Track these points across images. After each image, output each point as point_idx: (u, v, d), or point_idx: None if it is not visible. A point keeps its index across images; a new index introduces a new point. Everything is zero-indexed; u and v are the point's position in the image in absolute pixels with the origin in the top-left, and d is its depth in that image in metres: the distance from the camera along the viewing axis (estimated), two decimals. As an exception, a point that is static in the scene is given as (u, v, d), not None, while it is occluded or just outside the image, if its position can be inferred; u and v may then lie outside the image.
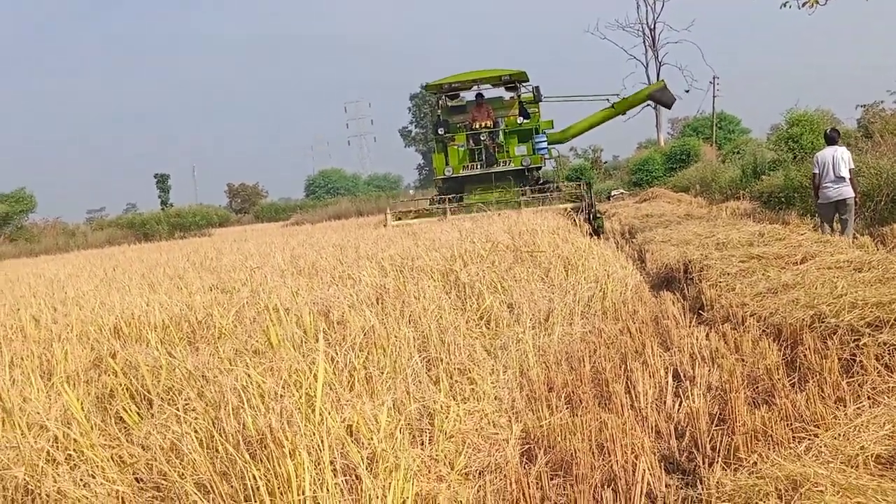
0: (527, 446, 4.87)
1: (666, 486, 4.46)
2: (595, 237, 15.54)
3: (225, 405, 3.47)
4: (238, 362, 4.27)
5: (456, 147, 20.40)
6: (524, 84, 21.21)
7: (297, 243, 14.14)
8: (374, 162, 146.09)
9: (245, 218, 68.01)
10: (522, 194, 17.88)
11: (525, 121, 20.67)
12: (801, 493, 3.24)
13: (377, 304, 5.77)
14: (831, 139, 12.47)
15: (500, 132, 20.59)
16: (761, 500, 3.33)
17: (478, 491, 4.04)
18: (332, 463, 3.26)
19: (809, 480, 3.32)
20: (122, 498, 3.32)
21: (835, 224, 12.35)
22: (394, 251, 8.20)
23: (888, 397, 4.60)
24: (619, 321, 8.25)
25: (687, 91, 50.86)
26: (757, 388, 5.79)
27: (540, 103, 21.34)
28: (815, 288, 7.75)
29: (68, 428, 3.58)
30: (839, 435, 4.16)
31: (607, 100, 23.24)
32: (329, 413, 3.56)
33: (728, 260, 10.34)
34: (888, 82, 51.11)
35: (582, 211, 16.66)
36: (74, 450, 3.52)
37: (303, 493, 2.96)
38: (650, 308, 8.98)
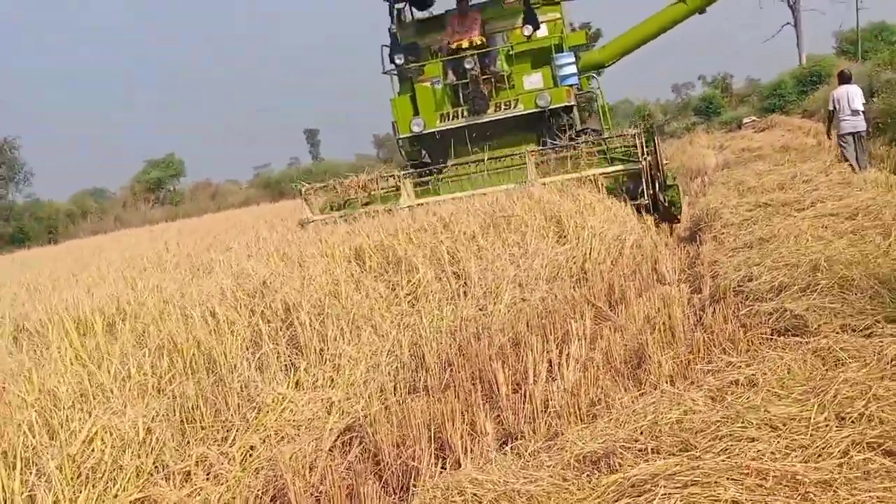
0: (350, 436, 5.02)
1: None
2: (662, 223, 11.40)
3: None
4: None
5: (429, 85, 13.05)
6: None
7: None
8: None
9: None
10: (541, 152, 11.84)
11: (534, 32, 12.81)
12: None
13: (256, 295, 6.01)
14: (847, 78, 13.18)
15: (499, 54, 12.91)
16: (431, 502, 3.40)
17: (244, 488, 4.25)
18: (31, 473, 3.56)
19: (466, 489, 3.36)
20: None
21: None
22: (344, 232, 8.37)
23: (695, 379, 4.49)
24: (583, 286, 8.15)
25: None
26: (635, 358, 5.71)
27: (562, 3, 13.75)
28: (787, 242, 7.46)
29: None
30: (603, 424, 4.12)
31: None
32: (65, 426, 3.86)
33: (738, 209, 9.99)
34: None
35: (633, 186, 11.16)
36: None
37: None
38: (634, 269, 8.80)
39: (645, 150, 11.10)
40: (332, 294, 6.22)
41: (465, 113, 12.83)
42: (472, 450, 4.64)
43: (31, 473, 3.52)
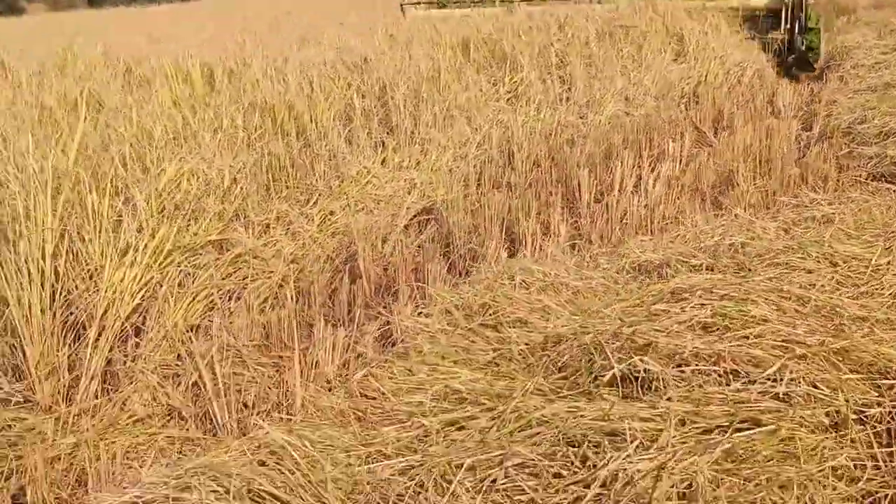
0: (426, 217, 5.15)
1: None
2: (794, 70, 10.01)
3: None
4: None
5: None
6: None
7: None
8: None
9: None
10: None
11: None
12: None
13: (355, 71, 6.06)
14: None
15: None
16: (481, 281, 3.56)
17: (318, 247, 4.48)
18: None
19: (516, 275, 3.50)
20: None
21: None
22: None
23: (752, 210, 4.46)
24: (691, 109, 7.93)
25: None
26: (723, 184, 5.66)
27: None
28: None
29: None
30: (668, 238, 4.17)
31: None
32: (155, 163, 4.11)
33: (872, 50, 9.42)
34: None
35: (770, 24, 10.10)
36: None
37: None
38: (749, 98, 8.48)
39: None
40: (432, 80, 6.23)
41: None
42: (541, 248, 4.74)
43: (119, 201, 3.78)
